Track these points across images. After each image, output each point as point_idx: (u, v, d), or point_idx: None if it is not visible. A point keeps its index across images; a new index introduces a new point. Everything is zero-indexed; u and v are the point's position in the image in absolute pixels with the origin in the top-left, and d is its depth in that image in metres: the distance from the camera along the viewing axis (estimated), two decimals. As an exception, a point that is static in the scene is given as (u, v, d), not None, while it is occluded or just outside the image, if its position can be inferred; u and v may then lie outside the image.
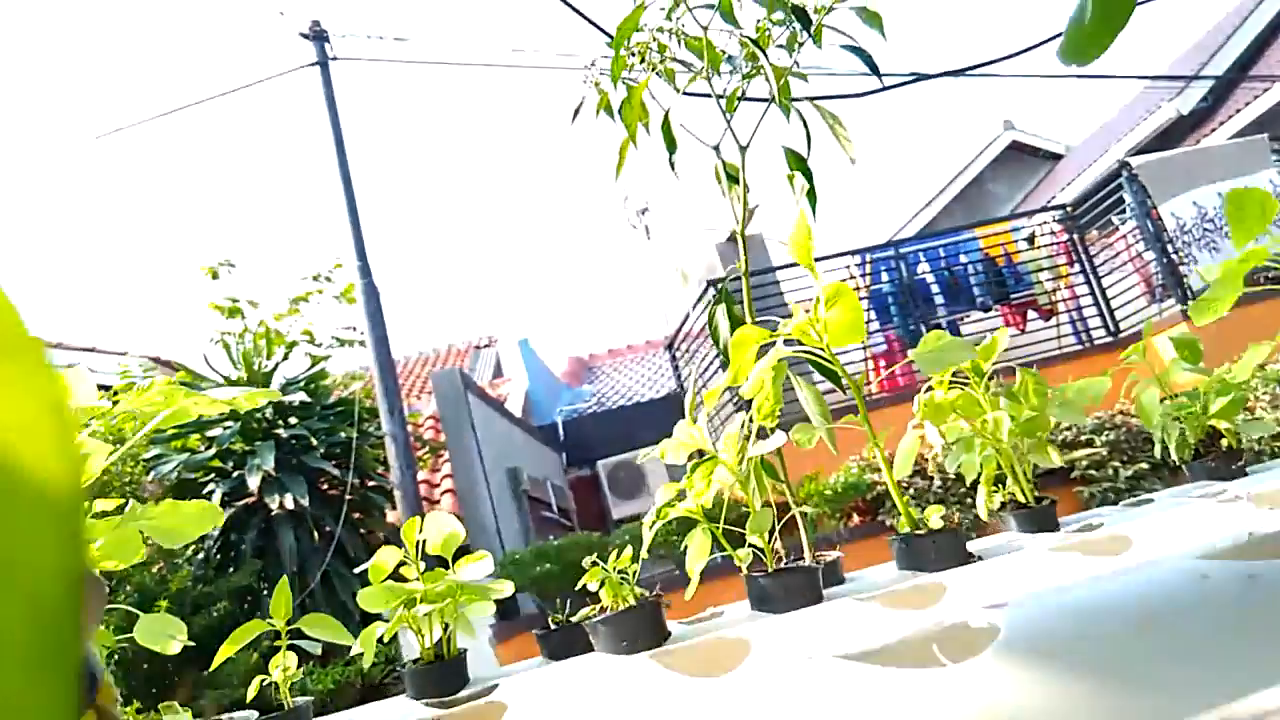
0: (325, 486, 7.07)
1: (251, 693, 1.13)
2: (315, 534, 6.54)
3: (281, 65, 8.13)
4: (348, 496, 6.54)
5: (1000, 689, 0.47)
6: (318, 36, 7.28)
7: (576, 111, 1.76)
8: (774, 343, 1.36)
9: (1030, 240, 9.30)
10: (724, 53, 1.69)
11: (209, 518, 1.29)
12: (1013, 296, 9.07)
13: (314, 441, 6.81)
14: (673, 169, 1.63)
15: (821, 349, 1.34)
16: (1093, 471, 6.24)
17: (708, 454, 1.29)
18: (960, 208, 15.70)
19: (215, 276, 7.79)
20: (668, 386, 14.02)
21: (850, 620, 0.82)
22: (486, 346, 17.19)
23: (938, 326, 9.04)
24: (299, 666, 1.26)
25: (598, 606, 1.16)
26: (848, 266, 8.90)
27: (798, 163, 1.58)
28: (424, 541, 1.37)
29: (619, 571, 1.18)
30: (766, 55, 1.57)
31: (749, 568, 1.23)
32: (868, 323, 8.84)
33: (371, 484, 7.29)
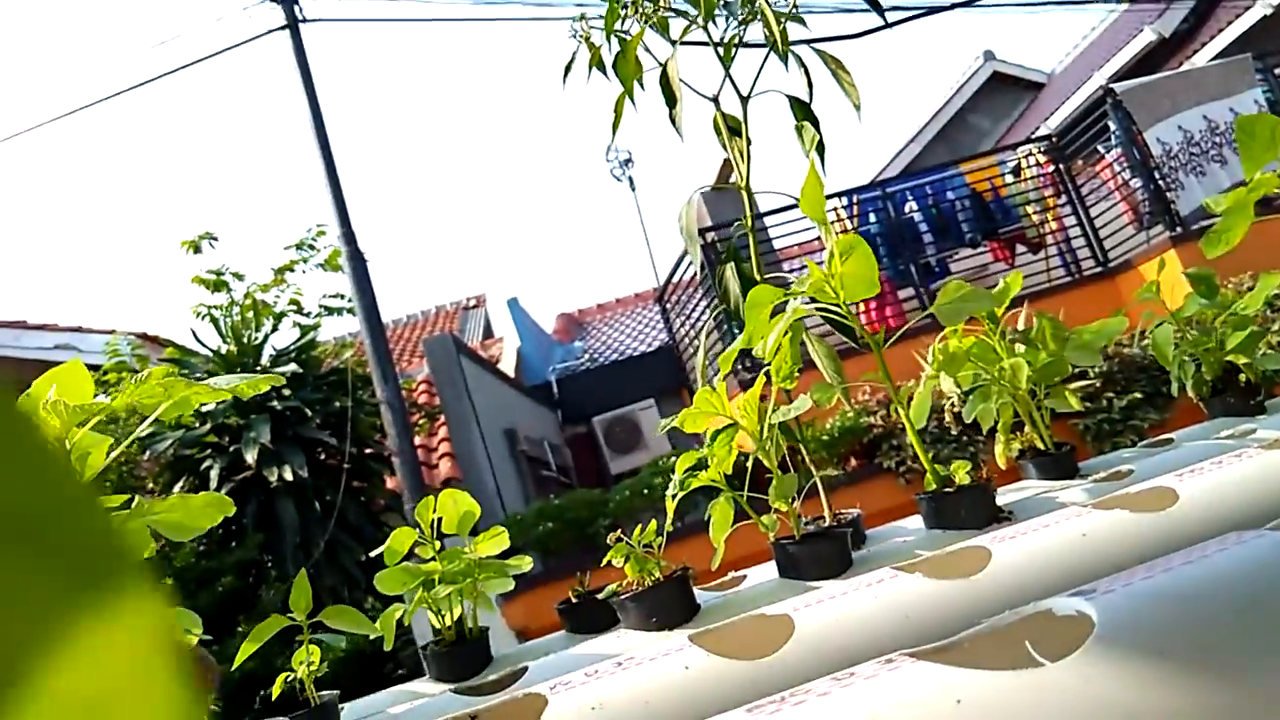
0: (323, 456, 7.05)
1: (276, 690, 1.11)
2: (316, 504, 6.54)
3: (251, 29, 7.95)
4: (346, 465, 6.53)
5: (1108, 691, 0.45)
6: (285, -1, 7.10)
7: (568, 69, 1.70)
8: (789, 300, 1.32)
9: (1016, 173, 9.24)
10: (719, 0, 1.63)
11: (218, 509, 1.26)
12: (1001, 231, 9.02)
13: (309, 412, 6.78)
14: (674, 124, 1.57)
15: (838, 305, 1.31)
16: (1087, 403, 6.26)
17: (727, 420, 1.26)
18: (944, 143, 15.57)
19: (198, 250, 7.69)
20: (659, 339, 13.99)
21: (893, 598, 0.79)
22: (475, 307, 17.10)
23: (927, 265, 9.03)
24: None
25: (623, 581, 1.14)
26: (835, 209, 8.83)
27: (804, 112, 1.53)
28: (438, 520, 1.34)
29: (644, 545, 1.15)
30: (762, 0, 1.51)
31: (775, 534, 1.20)
32: (857, 265, 8.78)
33: (369, 452, 7.27)
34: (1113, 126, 8.35)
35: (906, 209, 9.03)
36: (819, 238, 9.31)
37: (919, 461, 6.32)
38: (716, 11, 1.60)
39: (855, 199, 8.91)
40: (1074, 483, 1.32)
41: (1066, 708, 0.45)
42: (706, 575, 1.39)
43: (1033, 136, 10.15)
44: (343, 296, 7.79)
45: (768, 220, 8.24)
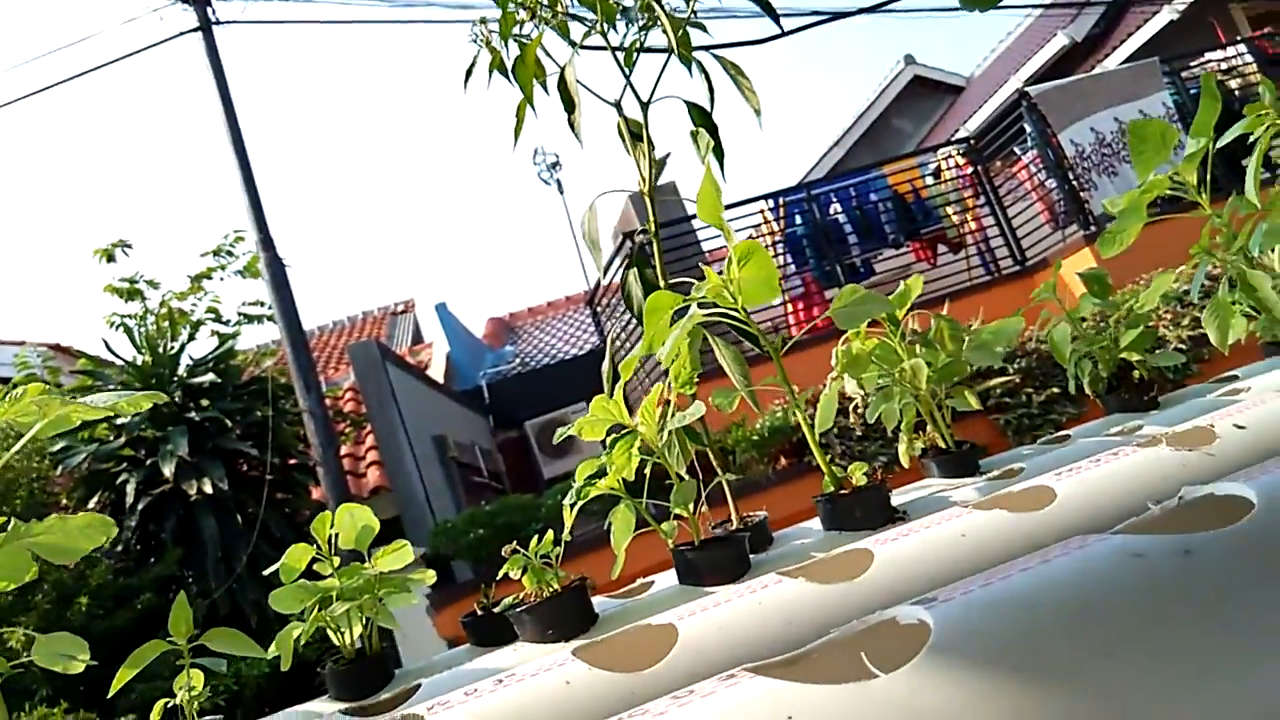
0: (245, 468, 6.89)
1: (155, 717, 1.07)
2: (238, 517, 6.38)
3: (163, 31, 7.73)
4: (268, 477, 6.38)
5: (937, 701, 0.45)
6: (198, 1, 6.91)
7: (468, 74, 1.67)
8: (689, 306, 1.32)
9: (936, 174, 9.44)
10: (618, 4, 1.62)
11: (100, 529, 1.20)
12: (922, 231, 9.21)
13: (229, 423, 6.61)
14: (573, 129, 1.56)
15: (736, 310, 1.31)
16: (1007, 399, 6.41)
17: (627, 427, 1.25)
18: (868, 146, 15.84)
19: (111, 259, 7.45)
20: (591, 342, 13.97)
21: (777, 603, 0.79)
22: (404, 312, 16.87)
23: (852, 266, 9.17)
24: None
25: (522, 594, 1.12)
26: (761, 211, 8.92)
27: (701, 118, 1.53)
28: (336, 535, 1.31)
29: (542, 557, 1.14)
30: (661, 5, 1.50)
31: (675, 540, 1.20)
32: (784, 265, 8.90)
33: (293, 462, 7.12)
34: (1028, 129, 8.58)
35: (831, 210, 9.15)
36: (750, 238, 9.40)
37: (846, 458, 6.41)
38: (617, 17, 1.59)
39: (781, 201, 9.01)
40: (971, 481, 1.34)
41: (892, 718, 0.45)
42: (617, 583, 1.38)
43: (952, 139, 10.38)
44: (263, 304, 7.61)
45: (698, 223, 8.28)
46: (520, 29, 1.59)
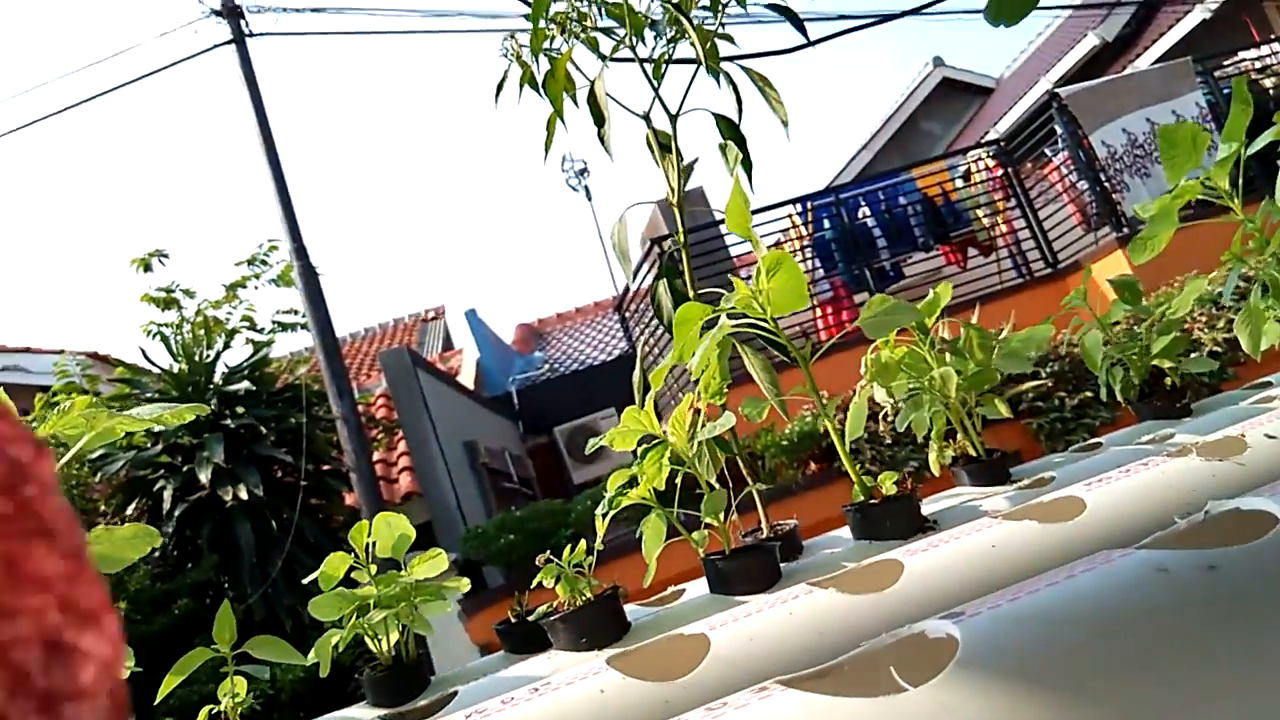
0: (279, 474, 6.97)
1: (202, 723, 1.10)
2: (273, 523, 6.45)
3: (196, 45, 7.86)
4: (303, 483, 6.45)
5: (964, 715, 0.46)
6: (231, 13, 7.02)
7: (499, 89, 1.70)
8: (718, 317, 1.34)
9: (966, 177, 9.37)
10: (647, 18, 1.64)
11: (145, 540, 1.24)
12: (952, 235, 9.15)
13: (263, 430, 6.70)
14: (603, 143, 1.58)
15: (765, 320, 1.32)
16: (1039, 403, 6.35)
17: (658, 437, 1.27)
18: (896, 149, 15.76)
19: (148, 268, 7.57)
20: (620, 348, 14.00)
21: (808, 614, 0.80)
22: (434, 319, 16.99)
23: (881, 269, 9.13)
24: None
25: (556, 602, 1.14)
26: (790, 216, 8.90)
27: (730, 130, 1.55)
28: (373, 543, 1.34)
29: (575, 565, 1.16)
30: (689, 18, 1.52)
31: (706, 549, 1.21)
32: (813, 270, 8.87)
33: (327, 468, 7.20)
34: (1059, 130, 8.50)
35: (860, 214, 9.12)
36: (778, 243, 9.39)
37: (877, 464, 6.38)
38: (645, 30, 1.61)
39: (810, 205, 8.98)
40: (1001, 489, 1.34)
41: None
42: (648, 591, 1.40)
43: (981, 141, 10.31)
44: (296, 312, 7.71)
45: (725, 228, 8.27)
46: (550, 44, 1.62)
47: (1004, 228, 9.13)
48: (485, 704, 0.79)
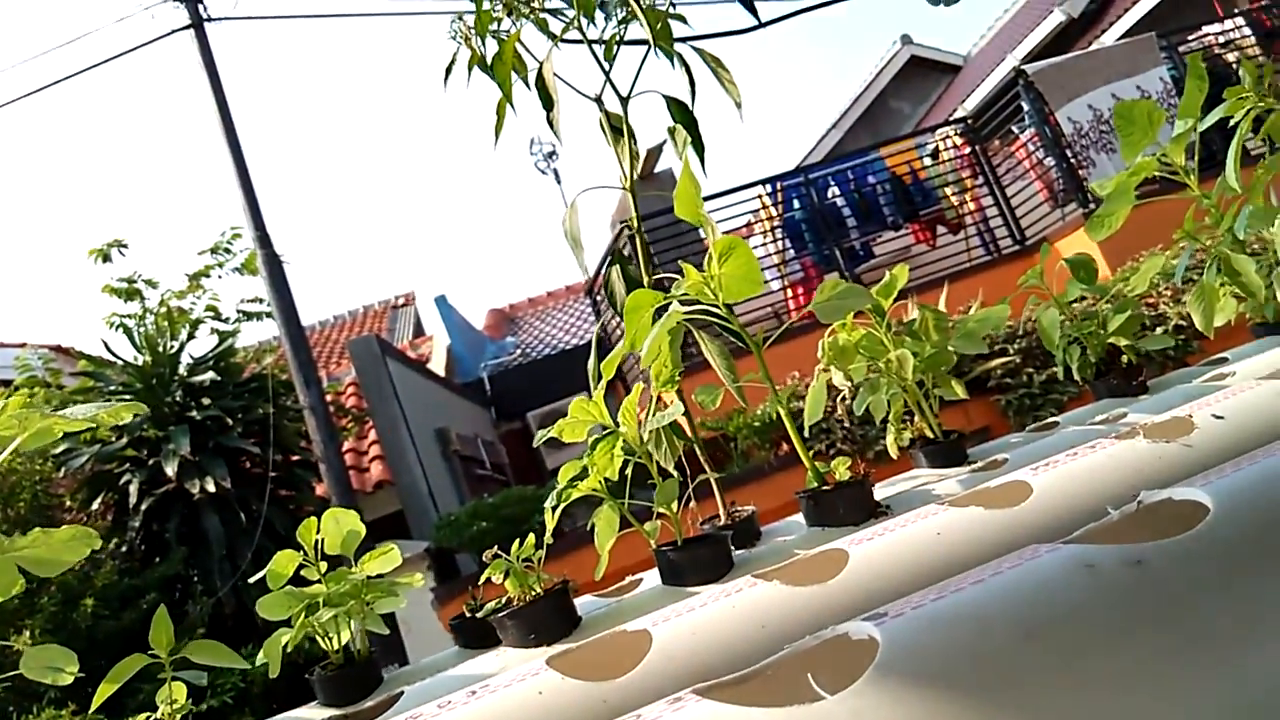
0: (248, 465, 6.90)
1: (139, 731, 1.07)
2: (242, 515, 6.39)
3: (153, 31, 7.70)
4: (271, 474, 6.39)
5: (877, 723, 0.45)
6: (188, -2, 6.89)
7: (448, 72, 1.67)
8: (670, 303, 1.32)
9: (934, 155, 9.39)
10: (596, -2, 1.61)
11: (84, 541, 1.21)
12: (921, 213, 9.18)
13: (230, 421, 6.62)
14: (551, 127, 1.55)
15: (717, 306, 1.31)
16: (1008, 380, 6.39)
17: (608, 427, 1.25)
18: (866, 128, 15.77)
19: (107, 259, 7.44)
20: (592, 332, 13.95)
21: (751, 607, 0.79)
22: (404, 305, 16.87)
23: (851, 249, 9.14)
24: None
25: (504, 598, 1.12)
26: (759, 196, 8.89)
27: (681, 113, 1.52)
28: (322, 540, 1.31)
29: (524, 560, 1.14)
30: (637, 1, 1.49)
31: (658, 540, 1.20)
32: (783, 250, 8.88)
33: (295, 459, 7.13)
34: (1025, 107, 8.53)
35: (829, 194, 9.12)
36: (748, 224, 9.38)
37: (848, 443, 6.39)
38: (595, 10, 1.58)
39: (779, 186, 8.97)
40: (956, 472, 1.34)
41: None
42: (604, 582, 1.38)
43: (949, 119, 10.32)
44: (261, 301, 7.60)
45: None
46: (498, 25, 1.58)
47: (972, 205, 9.16)
48: (422, 709, 0.77)
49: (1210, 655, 0.49)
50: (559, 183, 16.24)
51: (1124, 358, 1.71)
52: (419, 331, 16.28)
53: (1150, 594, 0.52)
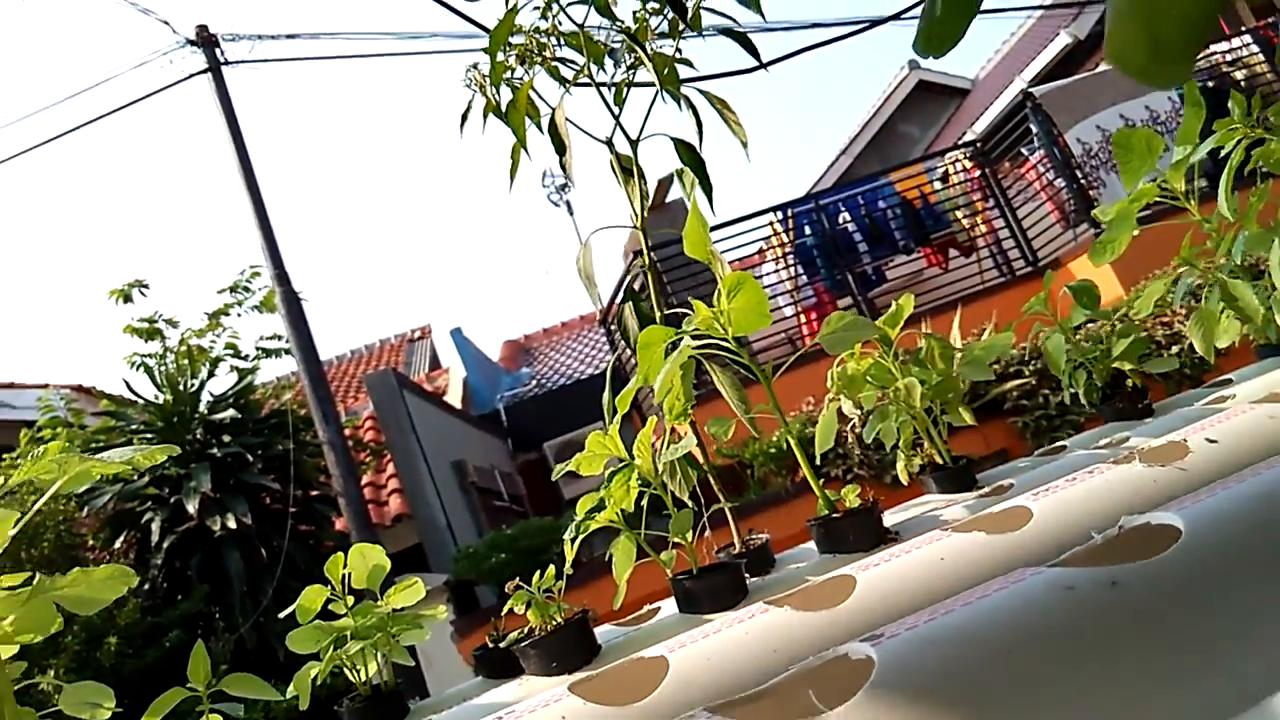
0: (268, 501, 6.95)
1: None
2: (263, 551, 6.44)
3: (171, 75, 7.86)
4: (291, 510, 6.44)
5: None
6: (206, 43, 7.04)
7: (464, 119, 1.73)
8: (682, 338, 1.36)
9: (944, 179, 9.43)
10: (606, 45, 1.67)
11: (121, 579, 1.25)
12: (933, 237, 9.20)
13: (250, 458, 6.68)
14: (564, 170, 1.61)
15: (727, 340, 1.35)
16: (1024, 401, 6.39)
17: (624, 460, 1.29)
18: (875, 152, 15.85)
19: (128, 299, 7.56)
20: (606, 361, 14.02)
21: (763, 633, 0.83)
22: (420, 339, 16.99)
23: (864, 273, 9.17)
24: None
25: (527, 627, 1.16)
26: (771, 223, 8.95)
27: (688, 154, 1.58)
28: (349, 574, 1.35)
29: (544, 590, 1.18)
30: (644, 47, 1.55)
31: (674, 570, 1.24)
32: (796, 276, 8.92)
33: (315, 494, 7.18)
34: (1034, 129, 8.58)
35: (840, 219, 9.16)
36: (760, 251, 9.44)
37: (865, 469, 6.40)
38: (604, 57, 1.64)
39: (790, 212, 9.03)
40: (964, 497, 1.37)
41: None
42: (623, 611, 1.42)
43: (958, 143, 10.38)
44: (280, 338, 7.70)
45: (713, 235, 8.28)
46: (511, 74, 1.64)
47: (983, 228, 9.19)
48: (450, 735, 0.81)
49: (1179, 670, 0.52)
50: (571, 214, 16.38)
51: (1129, 381, 1.74)
52: (435, 364, 16.39)
53: (1125, 613, 0.55)
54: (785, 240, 8.98)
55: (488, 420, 12.15)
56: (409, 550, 7.80)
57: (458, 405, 11.44)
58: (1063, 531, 0.87)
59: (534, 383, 14.35)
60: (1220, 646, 0.53)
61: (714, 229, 8.18)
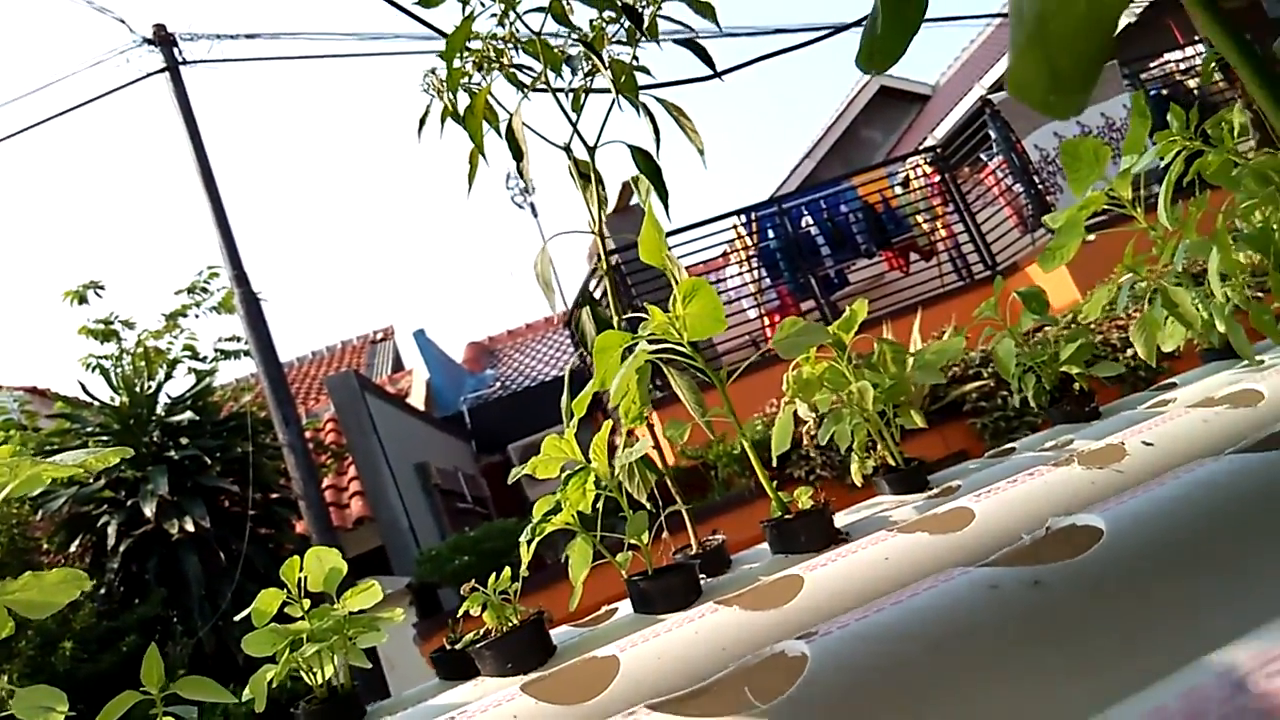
0: (227, 505, 6.88)
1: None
2: (222, 555, 6.36)
3: (128, 74, 7.74)
4: (250, 513, 6.37)
5: (802, 728, 0.50)
6: (163, 41, 6.95)
7: (422, 122, 1.73)
8: (638, 343, 1.38)
9: (905, 184, 9.55)
10: (563, 53, 1.68)
11: (74, 584, 1.25)
12: (894, 241, 9.31)
13: (208, 460, 6.60)
14: (521, 176, 1.62)
15: (682, 345, 1.37)
16: (983, 403, 6.48)
17: (579, 464, 1.31)
18: (838, 157, 15.99)
19: (83, 300, 7.45)
20: (571, 363, 14.03)
21: (712, 632, 0.85)
22: (383, 340, 16.86)
23: (826, 276, 9.26)
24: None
25: (483, 630, 1.17)
26: (734, 226, 9.00)
27: (644, 162, 1.59)
28: (305, 578, 1.35)
29: (500, 593, 1.19)
30: (600, 56, 1.57)
31: (630, 571, 1.25)
32: (759, 279, 8.98)
33: (275, 497, 7.11)
34: (993, 135, 8.70)
35: (803, 223, 9.24)
36: (725, 254, 9.49)
37: (827, 469, 6.47)
38: (562, 65, 1.66)
39: (754, 216, 9.09)
40: (914, 498, 1.40)
41: None
42: (582, 612, 1.43)
43: (919, 148, 10.51)
44: (239, 339, 7.62)
45: (671, 240, 8.34)
46: (469, 79, 1.65)
47: (944, 232, 9.31)
48: (402, 735, 0.82)
49: (1096, 663, 0.55)
50: (536, 217, 16.36)
51: (1076, 385, 1.78)
52: (398, 366, 16.27)
53: (1046, 610, 0.58)
54: (749, 244, 9.04)
55: (451, 422, 12.09)
56: (371, 553, 7.75)
57: (421, 407, 11.37)
58: (1002, 532, 0.90)
59: (498, 384, 14.31)
60: (1136, 642, 0.55)
61: (678, 232, 8.23)
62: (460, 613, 1.20)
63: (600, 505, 1.30)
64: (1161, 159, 1.63)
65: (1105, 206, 1.85)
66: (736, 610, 0.87)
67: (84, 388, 7.07)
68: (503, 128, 1.70)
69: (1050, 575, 0.59)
